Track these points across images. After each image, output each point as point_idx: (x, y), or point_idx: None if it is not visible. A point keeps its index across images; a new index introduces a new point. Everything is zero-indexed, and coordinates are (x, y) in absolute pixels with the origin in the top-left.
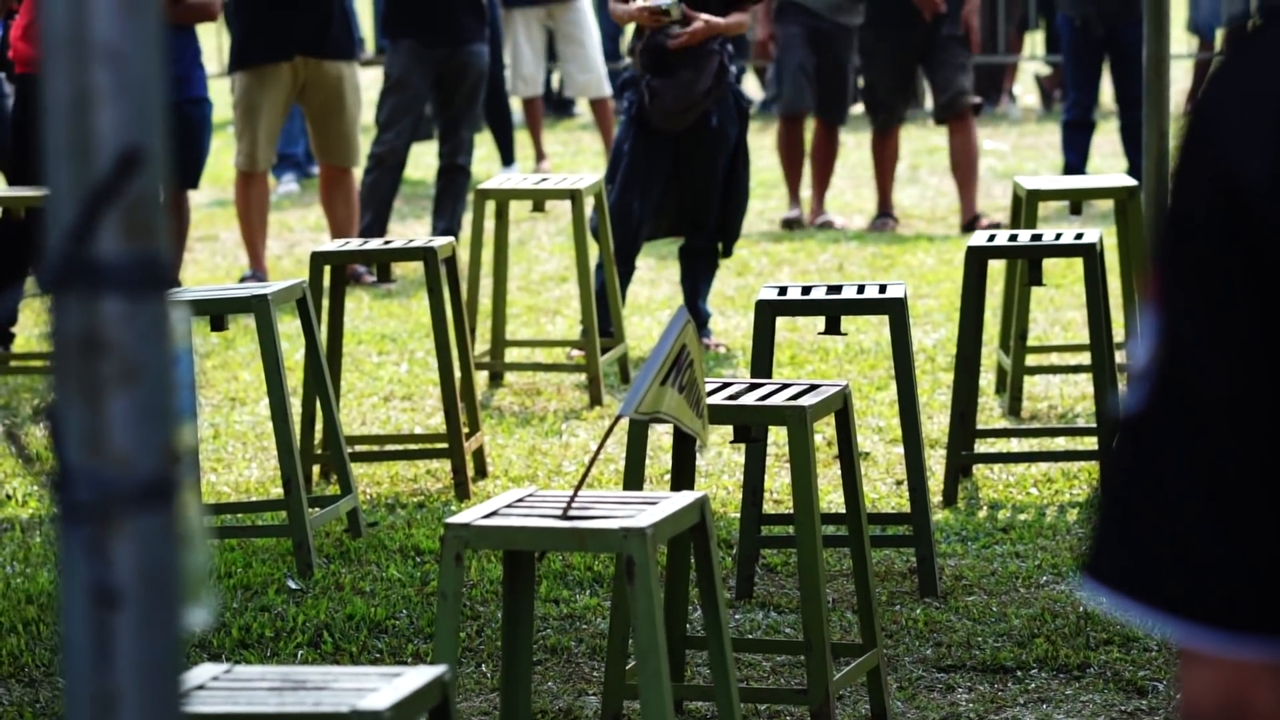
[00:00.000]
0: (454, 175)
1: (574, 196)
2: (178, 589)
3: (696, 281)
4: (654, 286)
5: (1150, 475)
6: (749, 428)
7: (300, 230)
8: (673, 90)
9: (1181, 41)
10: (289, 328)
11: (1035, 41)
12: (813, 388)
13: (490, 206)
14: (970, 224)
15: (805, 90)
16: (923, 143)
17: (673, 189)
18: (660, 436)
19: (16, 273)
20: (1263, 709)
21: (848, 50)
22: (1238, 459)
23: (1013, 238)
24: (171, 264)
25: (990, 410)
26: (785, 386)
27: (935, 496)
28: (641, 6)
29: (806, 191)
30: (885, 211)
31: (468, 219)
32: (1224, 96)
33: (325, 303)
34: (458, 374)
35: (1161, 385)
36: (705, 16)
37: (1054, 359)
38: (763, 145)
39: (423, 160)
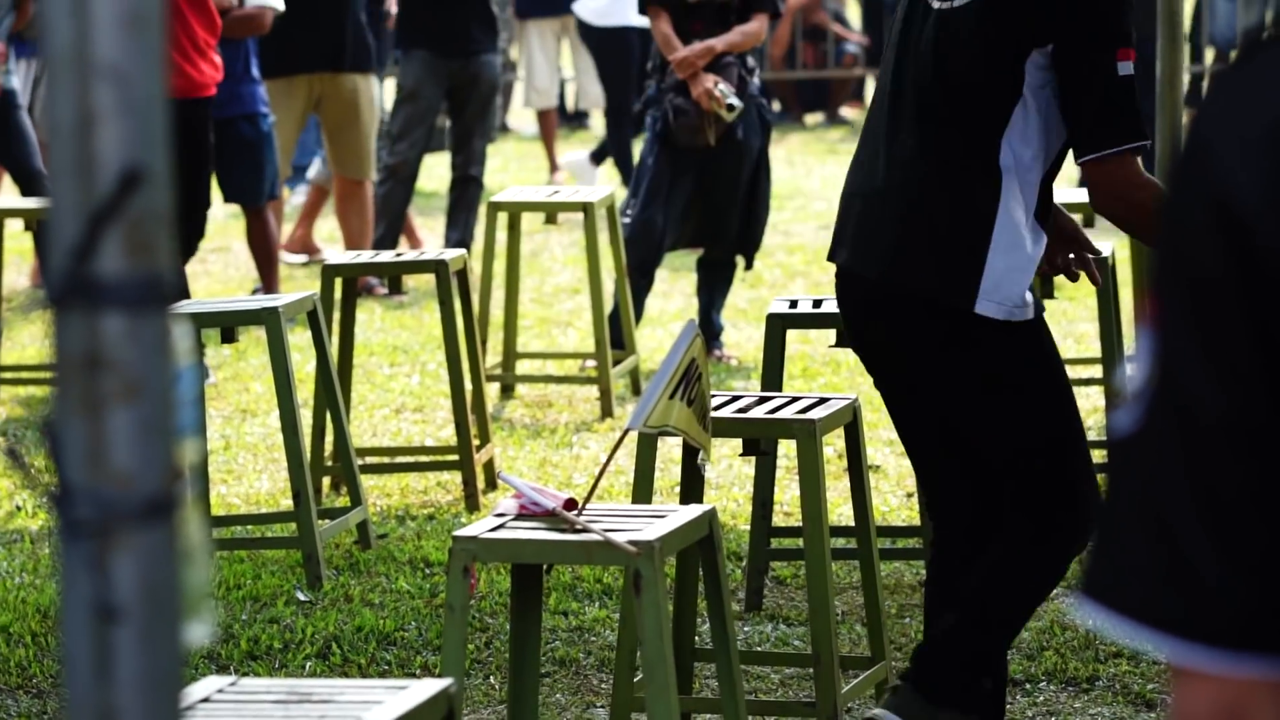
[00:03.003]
0: (467, 186)
1: (586, 209)
2: (178, 605)
3: (713, 294)
4: (667, 299)
5: (1145, 494)
6: (758, 441)
7: (314, 242)
8: (697, 108)
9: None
10: (300, 339)
11: None
12: (822, 401)
13: (503, 218)
14: None
15: None
16: None
17: (695, 201)
18: (670, 449)
19: None
20: None
21: None
22: (1232, 479)
23: None
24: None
25: None
26: (795, 399)
27: None
28: (710, 90)
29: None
30: None
31: (480, 230)
32: (1219, 115)
33: (337, 314)
34: (469, 386)
35: (1156, 405)
36: (710, 42)
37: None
38: (777, 158)
39: (435, 172)
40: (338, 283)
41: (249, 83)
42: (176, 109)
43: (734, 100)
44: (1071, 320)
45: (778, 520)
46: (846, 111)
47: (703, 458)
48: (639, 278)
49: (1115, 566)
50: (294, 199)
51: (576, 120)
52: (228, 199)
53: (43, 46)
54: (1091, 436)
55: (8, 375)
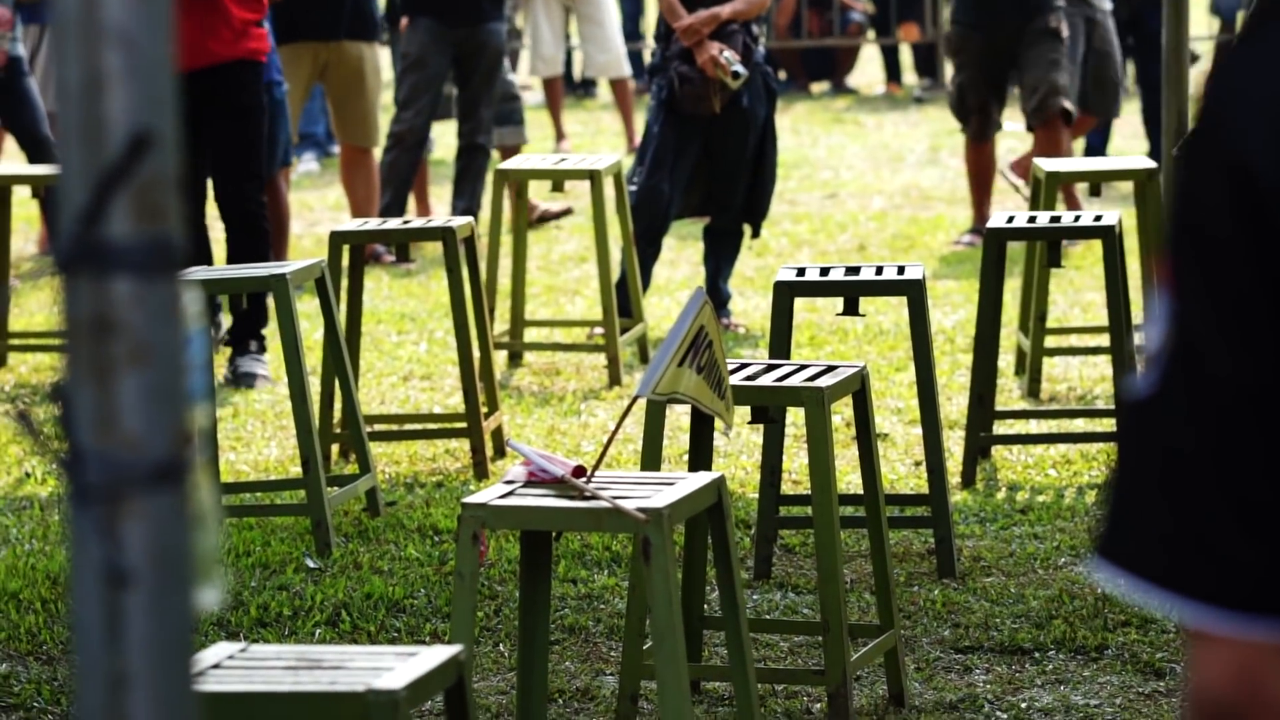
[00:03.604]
0: (473, 155)
1: (593, 177)
2: (189, 570)
3: (719, 262)
4: (674, 267)
5: (1161, 457)
6: (767, 409)
7: (320, 209)
8: (702, 75)
9: (1202, 24)
10: (308, 307)
11: None
12: (830, 369)
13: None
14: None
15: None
16: (942, 124)
17: (701, 169)
18: (679, 416)
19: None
20: (1275, 689)
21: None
22: (1247, 441)
23: (1032, 219)
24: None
25: (1009, 391)
26: (803, 367)
27: (954, 478)
28: (715, 58)
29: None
30: (977, 228)
31: (487, 198)
32: (1236, 83)
33: (344, 282)
34: (476, 354)
35: (1172, 369)
36: (713, 11)
37: (1073, 340)
38: (782, 127)
39: (443, 140)
40: (345, 250)
41: None
42: (219, 74)
43: (739, 68)
44: (1079, 289)
45: (786, 488)
46: (852, 80)
47: (723, 427)
48: (645, 245)
49: (1130, 529)
50: (301, 167)
51: (582, 89)
52: None
53: (51, 11)
54: (1099, 405)
55: (16, 341)
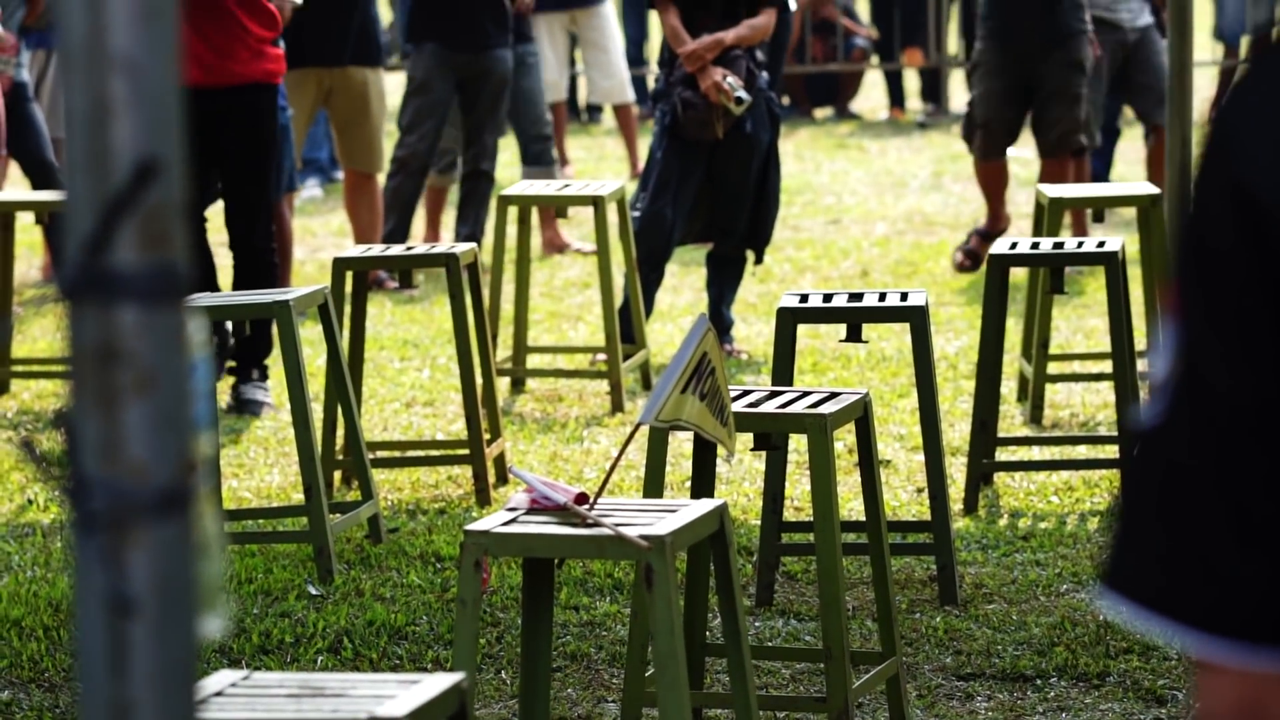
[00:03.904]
0: (477, 181)
1: (596, 203)
2: (193, 598)
3: (722, 288)
4: (676, 293)
5: (1168, 486)
6: (769, 435)
7: (324, 235)
8: (705, 100)
9: (1206, 49)
10: (311, 333)
11: None
12: (833, 395)
13: (513, 212)
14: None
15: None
16: (946, 149)
17: (705, 195)
18: (681, 443)
19: None
20: None
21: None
22: (1255, 471)
23: (1035, 245)
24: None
25: (1012, 418)
26: (806, 394)
27: (956, 504)
28: (718, 83)
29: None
30: (986, 231)
31: (491, 224)
32: (1242, 108)
33: (347, 308)
34: (479, 380)
35: (1180, 397)
36: (718, 36)
37: (1076, 367)
38: (786, 152)
39: None
40: (349, 276)
41: None
42: (234, 95)
43: (742, 94)
44: (1081, 316)
45: (788, 515)
46: (855, 106)
47: (724, 454)
48: (648, 270)
49: (1137, 558)
50: (304, 193)
51: (587, 114)
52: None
53: (58, 39)
54: (1102, 432)
55: (19, 368)
